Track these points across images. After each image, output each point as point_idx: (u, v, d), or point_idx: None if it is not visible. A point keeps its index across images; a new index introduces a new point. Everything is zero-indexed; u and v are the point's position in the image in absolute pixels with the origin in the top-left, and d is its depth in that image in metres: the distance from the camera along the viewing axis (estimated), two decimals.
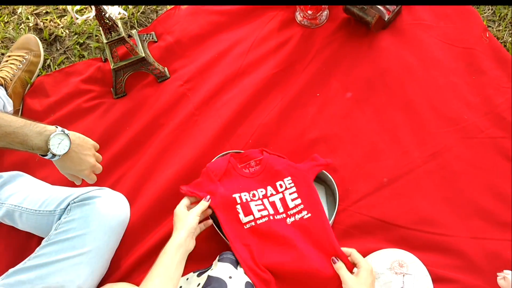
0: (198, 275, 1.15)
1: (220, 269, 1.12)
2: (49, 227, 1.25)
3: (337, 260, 1.14)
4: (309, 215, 1.22)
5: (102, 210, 1.21)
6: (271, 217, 1.21)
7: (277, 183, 1.28)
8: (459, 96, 1.41)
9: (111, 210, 1.23)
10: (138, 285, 1.06)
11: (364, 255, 1.24)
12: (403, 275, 1.19)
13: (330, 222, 1.25)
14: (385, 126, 1.40)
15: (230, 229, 1.20)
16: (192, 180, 1.27)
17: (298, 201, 1.24)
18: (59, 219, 1.23)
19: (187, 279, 1.17)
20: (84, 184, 1.24)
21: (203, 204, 1.19)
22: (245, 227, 1.21)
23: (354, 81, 1.47)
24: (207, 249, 1.26)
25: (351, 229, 1.29)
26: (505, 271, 1.08)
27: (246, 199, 1.24)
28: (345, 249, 1.16)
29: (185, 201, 1.21)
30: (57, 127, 1.04)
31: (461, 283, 1.20)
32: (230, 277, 1.09)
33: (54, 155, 1.02)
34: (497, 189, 1.29)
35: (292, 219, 1.22)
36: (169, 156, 1.42)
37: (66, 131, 1.04)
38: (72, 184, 1.26)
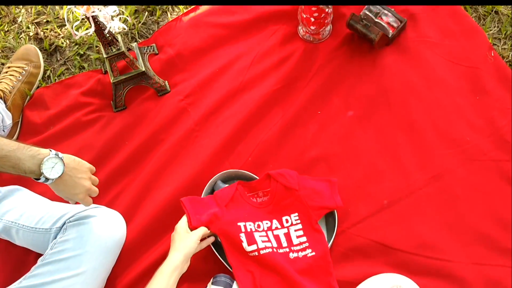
0: None
1: None
2: (45, 244, 1.25)
3: None
4: (313, 253, 1.21)
5: (98, 231, 1.20)
6: (275, 250, 1.20)
7: (283, 218, 1.26)
8: (462, 117, 1.39)
9: (107, 230, 1.22)
10: None
11: (363, 279, 1.23)
12: None
13: (329, 244, 1.24)
14: (387, 146, 1.38)
15: (233, 255, 1.19)
16: None
17: (304, 238, 1.23)
18: (55, 237, 1.23)
19: None
20: None
21: (204, 230, 1.19)
22: (249, 255, 1.19)
23: (356, 99, 1.45)
24: (203, 269, 1.25)
25: (350, 252, 1.27)
26: None
27: (251, 228, 1.23)
28: None
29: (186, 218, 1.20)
30: (51, 150, 1.03)
31: None
32: None
33: (47, 179, 1.01)
34: (498, 215, 1.26)
35: (295, 254, 1.21)
36: (168, 173, 1.41)
37: (60, 155, 1.03)
38: None
